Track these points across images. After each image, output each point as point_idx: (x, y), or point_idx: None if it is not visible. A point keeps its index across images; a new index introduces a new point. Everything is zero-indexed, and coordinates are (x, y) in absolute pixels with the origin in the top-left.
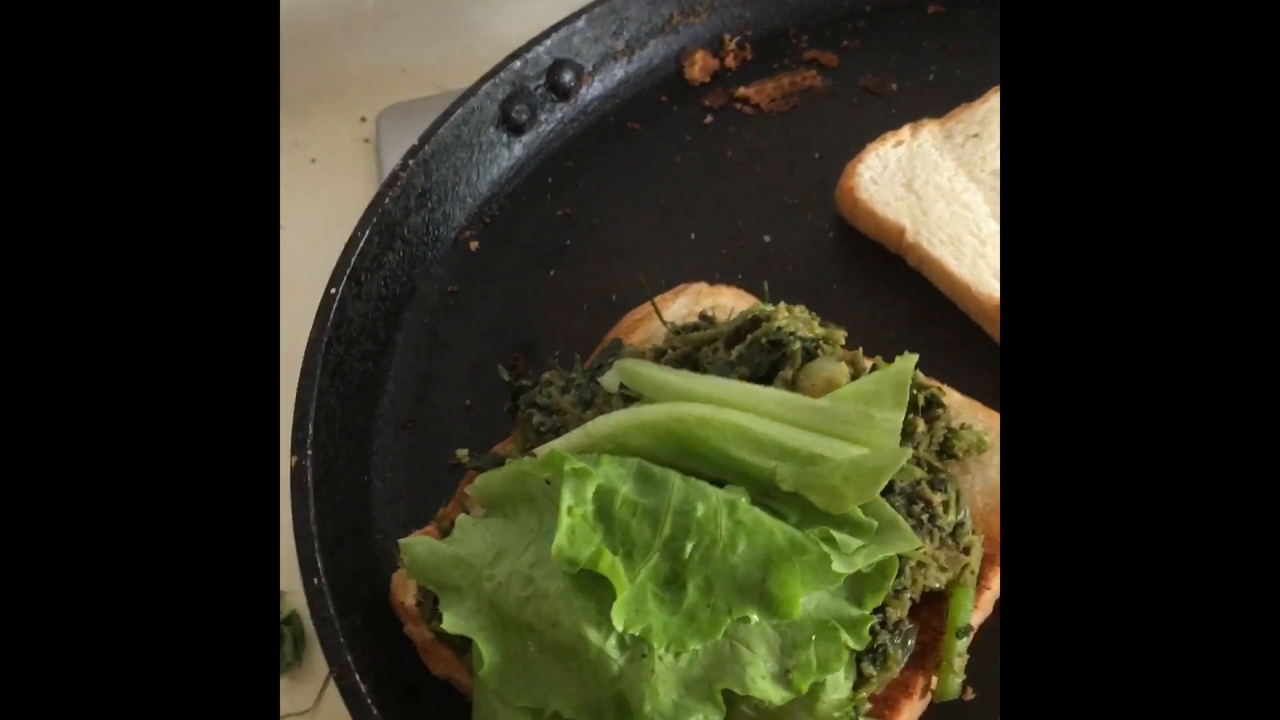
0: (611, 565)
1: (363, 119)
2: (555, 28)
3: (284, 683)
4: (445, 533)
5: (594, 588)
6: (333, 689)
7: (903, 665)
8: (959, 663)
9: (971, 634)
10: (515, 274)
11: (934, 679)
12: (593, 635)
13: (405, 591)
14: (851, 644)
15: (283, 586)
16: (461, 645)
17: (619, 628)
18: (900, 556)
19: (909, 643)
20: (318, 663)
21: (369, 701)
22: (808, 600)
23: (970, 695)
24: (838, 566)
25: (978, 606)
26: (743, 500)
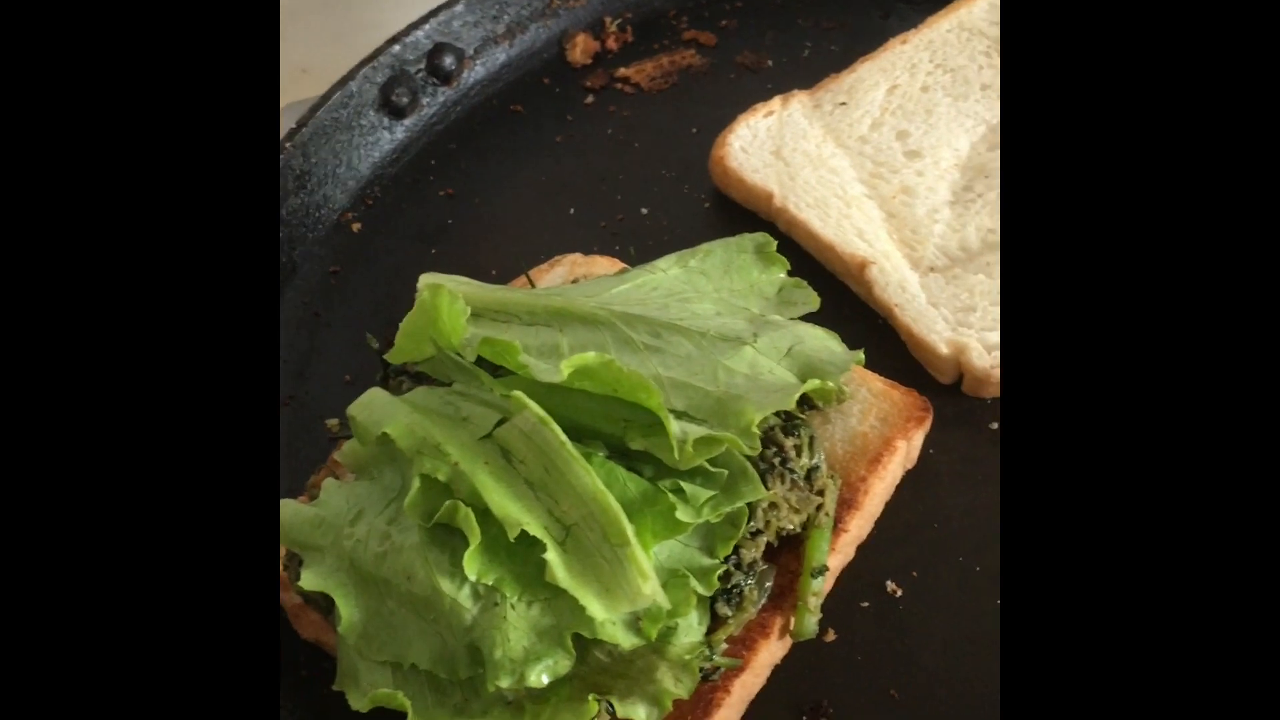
0: (465, 517)
1: None
2: (434, 12)
3: None
4: (313, 500)
5: (448, 540)
6: None
7: (759, 606)
8: (814, 602)
9: (826, 574)
10: (397, 253)
11: (792, 620)
12: (446, 586)
13: None
14: (701, 590)
15: None
16: (327, 606)
17: (472, 577)
18: None
19: (765, 584)
20: None
21: None
22: (659, 549)
23: (831, 637)
24: (684, 516)
25: (835, 549)
26: (598, 455)
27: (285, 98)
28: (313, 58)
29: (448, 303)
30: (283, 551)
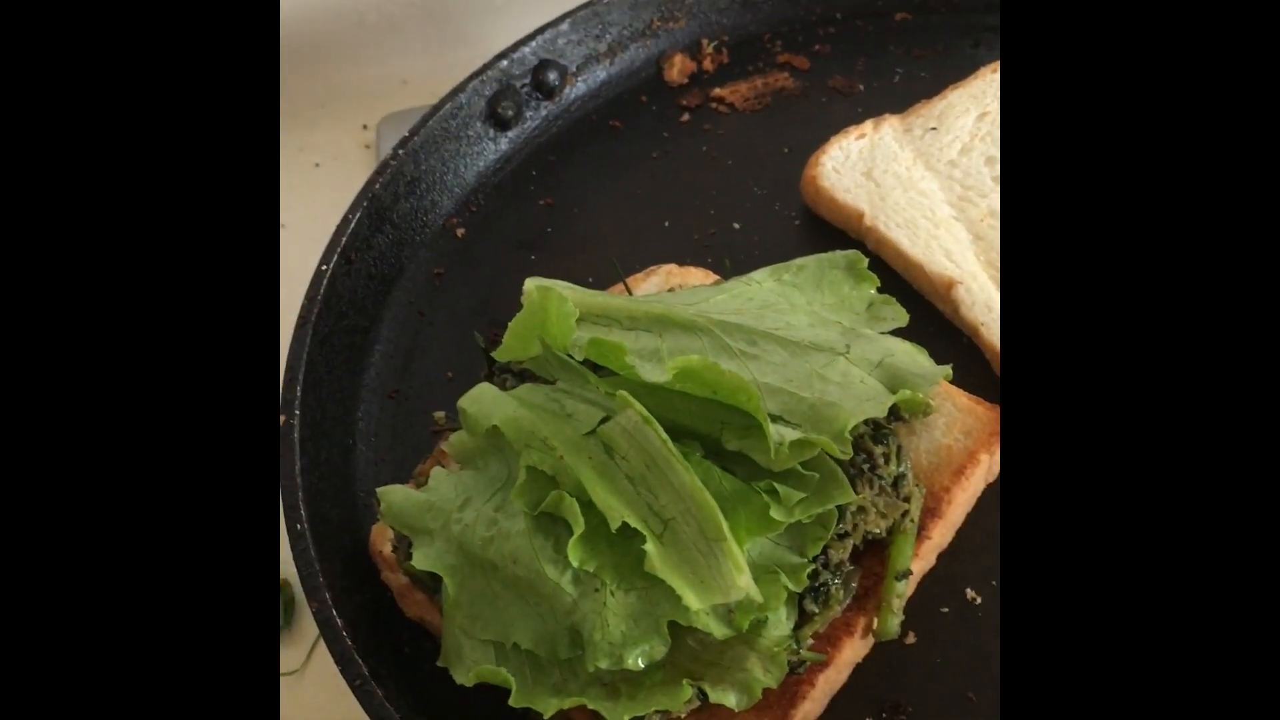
0: (570, 507)
1: (364, 126)
2: (540, 30)
3: None
4: (422, 487)
5: (552, 528)
6: (321, 651)
7: (844, 605)
8: (897, 604)
9: (909, 577)
10: (498, 258)
11: (875, 620)
12: (550, 571)
13: (383, 540)
14: (791, 586)
15: None
16: (433, 587)
17: (574, 564)
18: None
19: (851, 584)
20: (307, 627)
21: (344, 633)
22: (752, 546)
23: (912, 639)
24: (777, 515)
25: (919, 555)
26: (695, 454)
27: (386, 108)
28: (412, 69)
29: (557, 304)
30: (391, 533)
